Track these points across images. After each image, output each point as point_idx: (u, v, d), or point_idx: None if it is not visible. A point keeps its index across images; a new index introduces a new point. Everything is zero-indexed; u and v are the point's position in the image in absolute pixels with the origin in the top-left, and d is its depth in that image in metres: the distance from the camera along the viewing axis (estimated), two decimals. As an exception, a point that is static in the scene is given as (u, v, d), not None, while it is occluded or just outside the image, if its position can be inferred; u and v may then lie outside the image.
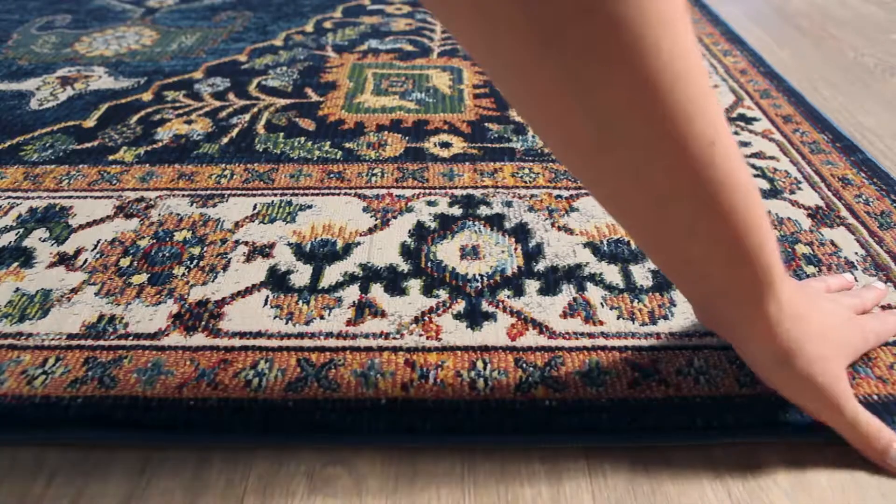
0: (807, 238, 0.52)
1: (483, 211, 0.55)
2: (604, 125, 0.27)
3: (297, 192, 0.57)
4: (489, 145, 0.65)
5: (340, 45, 0.89)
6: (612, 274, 0.48)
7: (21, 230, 0.53)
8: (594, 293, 0.46)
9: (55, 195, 0.57)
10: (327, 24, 0.97)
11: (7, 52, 0.87)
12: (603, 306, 0.45)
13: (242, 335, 0.43)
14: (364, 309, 0.45)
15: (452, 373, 0.40)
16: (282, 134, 0.67)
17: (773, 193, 0.57)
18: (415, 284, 0.47)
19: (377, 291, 0.46)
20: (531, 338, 0.42)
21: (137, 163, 0.62)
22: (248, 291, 0.46)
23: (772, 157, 0.62)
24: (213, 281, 0.47)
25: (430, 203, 0.56)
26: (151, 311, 0.45)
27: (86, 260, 0.49)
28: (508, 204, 0.56)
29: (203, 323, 0.44)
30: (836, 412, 0.35)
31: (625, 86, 0.26)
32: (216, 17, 1.00)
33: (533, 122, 0.30)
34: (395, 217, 0.54)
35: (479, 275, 0.48)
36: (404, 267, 0.49)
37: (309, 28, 0.96)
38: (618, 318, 0.44)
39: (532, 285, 0.47)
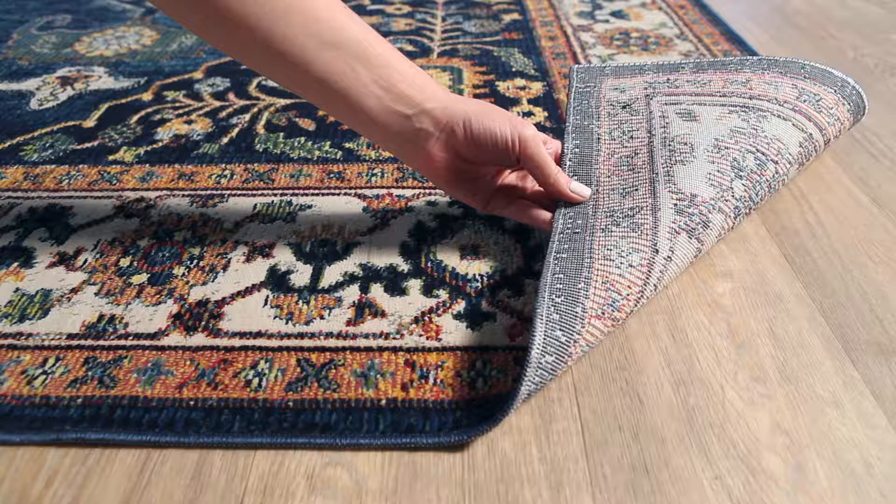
0: (807, 238, 0.51)
1: (483, 211, 0.55)
2: (228, 46, 0.43)
3: (297, 192, 0.57)
4: (489, 145, 0.65)
5: (340, 45, 0.89)
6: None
7: (21, 230, 0.53)
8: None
9: (55, 195, 0.57)
10: (327, 24, 0.97)
11: (7, 52, 0.87)
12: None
13: (242, 335, 0.43)
14: (364, 309, 0.45)
15: (452, 373, 0.40)
16: (282, 134, 0.67)
17: (773, 193, 0.57)
18: (415, 284, 0.47)
19: (377, 291, 0.46)
20: (531, 338, 0.42)
21: (137, 163, 0.62)
22: (248, 291, 0.46)
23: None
24: (213, 281, 0.47)
25: (430, 203, 0.56)
26: (151, 311, 0.45)
27: (86, 260, 0.49)
28: (508, 204, 0.55)
29: (203, 323, 0.44)
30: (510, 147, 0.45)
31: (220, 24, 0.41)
32: (216, 17, 1.00)
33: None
34: (395, 217, 0.54)
35: (479, 275, 0.48)
36: (404, 267, 0.49)
37: None
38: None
39: (532, 285, 0.47)
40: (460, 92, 0.76)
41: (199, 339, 0.42)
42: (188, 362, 0.41)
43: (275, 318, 0.44)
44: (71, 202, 0.56)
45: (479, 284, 0.47)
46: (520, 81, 0.78)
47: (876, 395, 0.39)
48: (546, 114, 0.71)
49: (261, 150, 0.64)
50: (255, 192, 0.57)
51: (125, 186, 0.58)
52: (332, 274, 0.48)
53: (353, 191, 0.57)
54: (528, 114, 0.70)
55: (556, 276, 0.40)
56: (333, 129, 0.68)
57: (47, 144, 0.65)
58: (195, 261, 0.49)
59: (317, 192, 0.57)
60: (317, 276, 0.48)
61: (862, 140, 0.65)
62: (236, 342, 0.42)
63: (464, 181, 0.48)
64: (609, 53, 0.85)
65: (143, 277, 0.48)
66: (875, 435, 0.37)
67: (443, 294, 0.46)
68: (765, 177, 0.47)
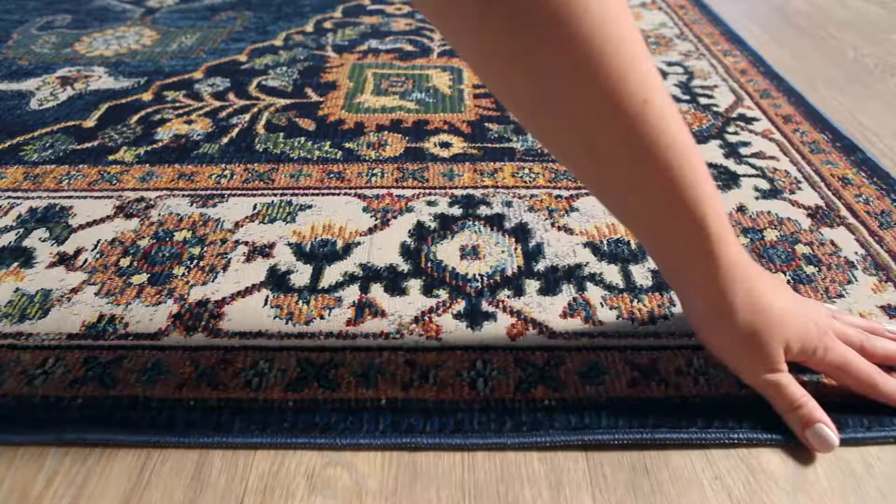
0: (807, 238, 0.52)
1: (483, 211, 0.55)
2: (541, 83, 0.30)
3: (297, 192, 0.57)
4: (489, 145, 0.65)
5: (340, 45, 0.89)
6: (611, 274, 0.48)
7: (21, 230, 0.53)
8: (594, 293, 0.46)
9: (55, 195, 0.57)
10: (327, 24, 0.97)
11: (7, 52, 0.87)
12: (603, 306, 0.45)
13: (242, 335, 0.43)
14: (364, 309, 0.45)
15: (452, 373, 0.40)
16: (282, 134, 0.67)
17: (773, 193, 0.57)
18: (415, 284, 0.47)
19: (377, 291, 0.46)
20: (531, 338, 0.42)
21: (137, 163, 0.62)
22: (248, 291, 0.46)
23: (772, 157, 0.62)
24: (213, 281, 0.47)
25: (430, 203, 0.56)
26: (151, 311, 0.45)
27: (86, 260, 0.49)
28: (508, 204, 0.56)
29: (203, 323, 0.44)
30: (755, 372, 0.37)
31: (556, 48, 0.28)
32: (216, 17, 1.00)
33: (484, 81, 0.33)
34: (395, 217, 0.54)
35: (479, 275, 0.48)
36: (404, 267, 0.49)
37: (309, 28, 0.96)
38: (617, 318, 0.44)
39: (532, 285, 0.47)
40: (460, 92, 0.76)
41: (199, 339, 0.42)
42: (188, 362, 0.41)
43: (275, 318, 0.44)
44: (71, 202, 0.56)
45: (479, 284, 0.47)
46: (520, 81, 0.78)
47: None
48: (546, 114, 0.70)
49: (261, 150, 0.64)
50: (255, 192, 0.57)
51: (125, 186, 0.58)
52: (332, 274, 0.48)
53: (353, 191, 0.57)
54: (528, 114, 0.70)
55: None
56: (333, 129, 0.68)
57: (47, 144, 0.65)
58: (195, 261, 0.49)
59: (317, 192, 0.57)
60: (317, 276, 0.48)
61: (862, 140, 0.65)
62: (236, 342, 0.42)
63: None
64: (609, 53, 0.85)
65: (143, 277, 0.48)
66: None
67: (443, 294, 0.46)
68: None
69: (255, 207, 0.55)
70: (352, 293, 0.46)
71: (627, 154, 0.32)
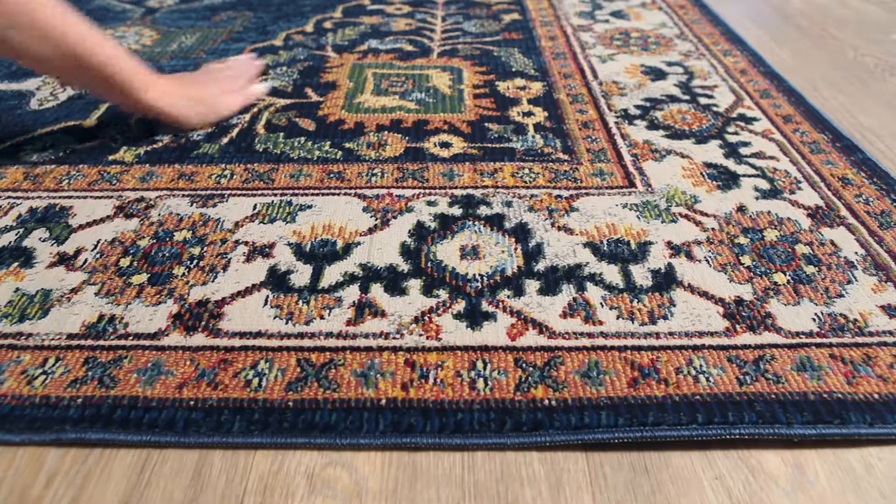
0: (807, 238, 0.52)
1: (483, 211, 0.55)
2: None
3: (297, 192, 0.57)
4: (489, 145, 0.65)
5: (340, 45, 0.89)
6: (611, 274, 0.48)
7: (21, 230, 0.53)
8: (594, 293, 0.46)
9: (55, 195, 0.57)
10: (327, 24, 0.97)
11: (7, 53, 0.87)
12: (602, 306, 0.45)
13: (242, 335, 0.43)
14: (364, 309, 0.45)
15: (452, 373, 0.40)
16: (282, 134, 0.67)
17: (773, 193, 0.57)
18: (415, 284, 0.47)
19: (377, 291, 0.46)
20: (531, 338, 0.42)
21: (137, 163, 0.62)
22: (248, 291, 0.46)
23: (772, 157, 0.62)
24: (213, 281, 0.47)
25: (430, 203, 0.56)
26: (151, 311, 0.45)
27: (86, 260, 0.49)
28: (508, 204, 0.56)
29: (203, 323, 0.44)
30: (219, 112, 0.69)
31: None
32: (216, 17, 1.00)
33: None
34: (395, 217, 0.54)
35: (479, 275, 0.48)
36: (404, 267, 0.49)
37: (309, 28, 0.96)
38: (617, 318, 0.44)
39: (532, 285, 0.47)
40: (460, 92, 0.76)
41: (199, 339, 0.42)
42: (188, 362, 0.41)
43: (275, 318, 0.44)
44: (71, 202, 0.56)
45: (479, 284, 0.47)
46: (520, 81, 0.78)
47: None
48: (546, 114, 0.71)
49: (261, 150, 0.64)
50: (255, 192, 0.57)
51: (125, 186, 0.58)
52: (332, 274, 0.48)
53: (353, 191, 0.57)
54: (529, 113, 0.70)
55: None
56: (333, 129, 0.68)
57: (47, 144, 0.65)
58: (195, 261, 0.49)
59: (317, 192, 0.57)
60: (317, 276, 0.48)
61: (862, 140, 0.65)
62: (236, 342, 0.42)
63: None
64: (609, 53, 0.85)
65: (143, 277, 0.48)
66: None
67: (443, 294, 0.46)
68: None
69: (255, 207, 0.55)
70: (352, 293, 0.46)
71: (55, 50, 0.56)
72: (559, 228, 0.53)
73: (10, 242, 0.51)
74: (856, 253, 0.50)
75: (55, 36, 0.55)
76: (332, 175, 0.60)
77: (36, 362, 0.41)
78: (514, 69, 0.81)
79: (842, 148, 0.63)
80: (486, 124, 0.69)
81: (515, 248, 0.50)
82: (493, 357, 0.41)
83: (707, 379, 0.39)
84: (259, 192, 0.57)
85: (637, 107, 0.72)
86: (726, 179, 0.59)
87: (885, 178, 0.59)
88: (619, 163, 0.62)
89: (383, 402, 0.38)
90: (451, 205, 0.55)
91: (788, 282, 0.47)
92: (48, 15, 0.54)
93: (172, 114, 0.65)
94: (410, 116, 0.70)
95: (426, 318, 0.44)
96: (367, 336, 0.43)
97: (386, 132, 0.67)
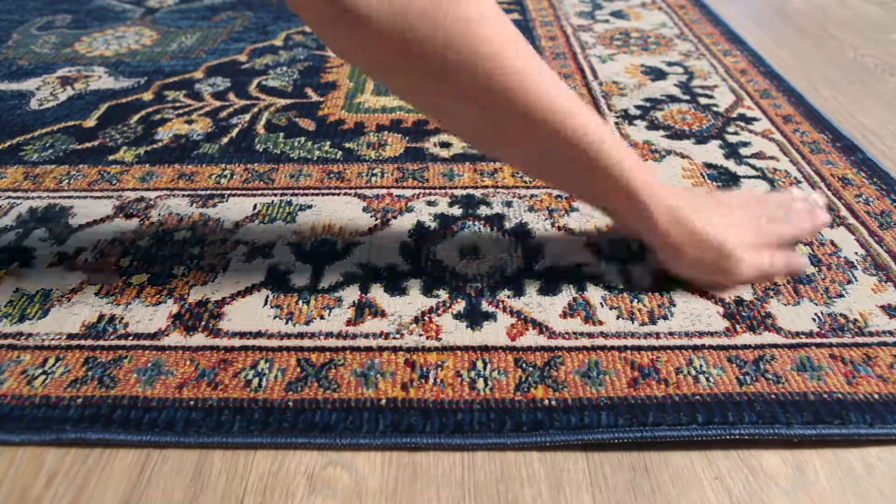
0: (807, 238, 0.51)
1: (483, 211, 0.55)
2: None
3: (297, 192, 0.57)
4: (489, 145, 0.65)
5: (340, 45, 0.89)
6: (611, 274, 0.48)
7: (21, 230, 0.53)
8: (594, 293, 0.46)
9: (55, 195, 0.57)
10: (327, 24, 0.97)
11: (7, 52, 0.87)
12: (602, 306, 0.45)
13: (242, 335, 0.43)
14: (364, 309, 0.45)
15: (452, 373, 0.40)
16: (282, 134, 0.67)
17: (773, 193, 0.57)
18: (415, 284, 0.47)
19: (377, 291, 0.46)
20: (531, 338, 0.42)
21: (137, 163, 0.62)
22: (248, 291, 0.46)
23: (772, 157, 0.62)
24: (213, 281, 0.47)
25: (430, 203, 0.56)
26: (151, 311, 0.45)
27: (86, 260, 0.49)
28: (508, 204, 0.56)
29: (203, 323, 0.44)
30: (731, 269, 0.44)
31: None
32: (216, 17, 1.00)
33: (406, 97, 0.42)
34: (395, 217, 0.54)
35: (479, 275, 0.48)
36: (404, 267, 0.49)
37: (309, 28, 0.96)
38: (617, 318, 0.44)
39: (532, 285, 0.47)
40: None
41: (199, 339, 0.42)
42: (188, 362, 0.41)
43: (275, 318, 0.44)
44: (71, 202, 0.56)
45: (479, 284, 0.47)
46: (520, 81, 0.78)
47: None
48: (546, 114, 0.70)
49: (261, 150, 0.64)
50: (255, 192, 0.57)
51: (125, 186, 0.58)
52: (332, 274, 0.48)
53: (353, 191, 0.57)
54: (528, 114, 0.70)
55: None
56: (333, 129, 0.68)
57: (47, 144, 0.65)
58: (195, 261, 0.49)
59: (317, 192, 0.57)
60: (317, 276, 0.48)
61: (862, 140, 0.65)
62: (236, 342, 0.42)
63: None
64: (609, 53, 0.85)
65: (143, 277, 0.48)
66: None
67: (443, 294, 0.46)
68: None
69: (255, 207, 0.55)
70: (352, 293, 0.46)
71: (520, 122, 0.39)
72: (559, 228, 0.53)
73: (10, 242, 0.51)
74: (856, 253, 0.50)
75: (543, 107, 0.38)
76: (332, 175, 0.60)
77: (36, 362, 0.41)
78: (514, 69, 0.81)
79: (842, 148, 0.63)
80: (486, 124, 0.68)
81: (515, 248, 0.50)
82: (493, 357, 0.41)
83: (707, 379, 0.39)
84: (259, 192, 0.57)
85: (637, 107, 0.72)
86: (726, 180, 0.59)
87: (885, 178, 0.59)
88: (619, 163, 0.62)
89: (383, 402, 0.38)
90: (451, 205, 0.55)
91: (788, 282, 0.47)
92: (537, 76, 0.37)
93: (670, 258, 0.45)
94: (410, 116, 0.70)
95: (426, 317, 0.44)
96: (367, 336, 0.43)
97: (386, 132, 0.67)
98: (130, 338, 0.43)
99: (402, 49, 0.35)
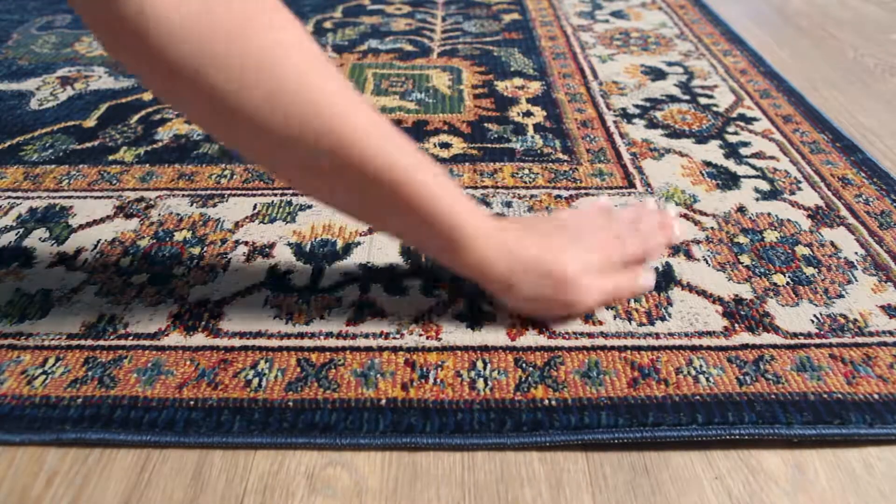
0: (807, 239, 0.52)
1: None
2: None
3: (297, 192, 0.57)
4: (489, 145, 0.65)
5: (340, 45, 0.89)
6: (611, 274, 0.48)
7: (21, 230, 0.53)
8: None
9: (55, 195, 0.57)
10: (327, 24, 0.97)
11: (7, 52, 0.87)
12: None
13: (242, 335, 0.43)
14: (364, 309, 0.45)
15: (452, 373, 0.40)
16: (282, 134, 0.67)
17: (773, 194, 0.57)
18: (414, 284, 0.47)
19: (377, 291, 0.46)
20: (531, 338, 0.42)
21: (137, 163, 0.62)
22: (248, 291, 0.46)
23: (772, 157, 0.62)
24: (213, 281, 0.47)
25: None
26: (151, 311, 0.45)
27: (86, 260, 0.49)
28: (508, 204, 0.56)
29: (203, 323, 0.44)
30: (573, 297, 0.41)
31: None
32: (216, 17, 1.00)
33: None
34: (394, 217, 0.54)
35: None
36: (404, 267, 0.49)
37: (309, 28, 0.96)
38: (615, 319, 0.44)
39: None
40: (460, 92, 0.76)
41: (199, 339, 0.42)
42: (188, 362, 0.41)
43: (275, 318, 0.44)
44: (71, 202, 0.56)
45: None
46: (518, 81, 0.78)
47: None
48: (545, 113, 0.71)
49: (261, 150, 0.64)
50: (255, 192, 0.57)
51: (125, 186, 0.58)
52: (332, 274, 0.48)
53: (353, 191, 0.57)
54: (528, 113, 0.70)
55: None
56: (333, 129, 0.68)
57: (47, 144, 0.65)
58: (195, 261, 0.49)
59: (317, 192, 0.57)
60: (317, 276, 0.48)
61: (862, 140, 0.65)
62: (236, 342, 0.42)
63: None
64: (609, 53, 0.85)
65: (143, 277, 0.48)
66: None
67: (443, 294, 0.46)
68: None
69: (255, 207, 0.55)
70: (352, 293, 0.46)
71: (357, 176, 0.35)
72: (559, 228, 0.52)
73: (10, 242, 0.51)
74: (856, 253, 0.50)
75: (361, 149, 0.33)
76: (332, 175, 0.60)
77: (36, 362, 0.41)
78: (513, 69, 0.81)
79: (842, 148, 0.63)
80: (485, 125, 0.69)
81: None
82: (493, 357, 0.41)
83: (707, 379, 0.39)
84: (259, 191, 0.57)
85: (636, 106, 0.72)
86: (726, 179, 0.59)
87: (885, 178, 0.59)
88: (619, 162, 0.62)
89: (383, 402, 0.38)
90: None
91: (788, 283, 0.47)
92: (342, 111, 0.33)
93: (503, 294, 0.42)
94: (410, 117, 0.70)
95: (426, 318, 0.44)
96: (367, 336, 0.43)
97: (386, 132, 0.67)
98: (130, 338, 0.43)
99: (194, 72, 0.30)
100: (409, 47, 0.89)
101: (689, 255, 0.50)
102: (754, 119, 0.69)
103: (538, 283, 0.40)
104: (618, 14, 0.99)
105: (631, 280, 0.43)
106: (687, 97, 0.74)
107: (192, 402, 0.38)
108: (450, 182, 0.38)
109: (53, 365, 0.41)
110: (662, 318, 0.44)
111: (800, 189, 0.58)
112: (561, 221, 0.44)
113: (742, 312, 0.44)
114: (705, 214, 0.54)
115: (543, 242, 0.41)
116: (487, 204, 0.55)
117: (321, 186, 0.37)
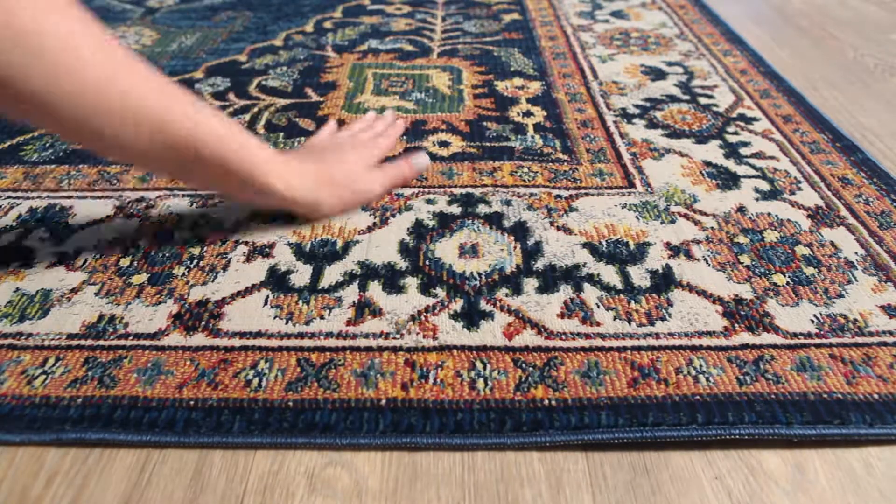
0: (807, 239, 0.52)
1: (482, 209, 0.55)
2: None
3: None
4: (488, 144, 0.65)
5: (340, 45, 0.89)
6: (609, 274, 0.48)
7: (21, 230, 0.53)
8: (591, 294, 0.46)
9: (55, 195, 0.57)
10: (327, 24, 0.97)
11: (7, 52, 0.87)
12: (599, 307, 0.45)
13: (242, 335, 0.43)
14: (364, 309, 0.45)
15: (452, 373, 0.40)
16: (282, 134, 0.67)
17: (773, 194, 0.57)
18: (412, 282, 0.47)
19: (375, 289, 0.46)
20: (528, 337, 0.42)
21: (137, 163, 0.62)
22: (248, 291, 0.46)
23: (772, 157, 0.62)
24: (213, 281, 0.47)
25: (429, 201, 0.56)
26: (151, 311, 0.45)
27: (86, 260, 0.49)
28: (507, 203, 0.56)
29: (203, 323, 0.44)
30: (366, 188, 0.54)
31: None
32: (216, 17, 1.00)
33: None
34: (394, 215, 0.54)
35: (478, 273, 0.48)
36: (402, 265, 0.49)
37: (309, 28, 0.96)
38: (614, 319, 0.44)
39: (531, 283, 0.47)
40: (460, 92, 0.76)
41: (199, 339, 0.42)
42: (188, 362, 0.41)
43: (275, 318, 0.44)
44: (71, 202, 0.56)
45: (477, 283, 0.47)
46: (518, 81, 0.78)
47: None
48: (545, 113, 0.71)
49: (261, 149, 0.64)
50: (254, 191, 0.57)
51: (125, 186, 0.58)
52: (331, 274, 0.48)
53: (352, 191, 0.57)
54: (528, 113, 0.70)
55: None
56: (333, 129, 0.68)
57: (47, 144, 0.65)
58: (195, 261, 0.49)
59: (317, 191, 0.57)
60: (317, 276, 0.48)
61: (862, 140, 0.65)
62: (236, 342, 0.42)
63: None
64: (609, 53, 0.85)
65: (143, 277, 0.48)
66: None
67: (440, 292, 0.46)
68: None
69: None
70: (351, 293, 0.46)
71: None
72: (558, 228, 0.53)
73: (10, 242, 0.51)
74: (856, 253, 0.50)
75: (146, 113, 0.41)
76: (331, 175, 0.60)
77: (36, 362, 0.41)
78: (512, 69, 0.81)
79: (842, 148, 0.63)
80: (484, 123, 0.69)
81: (514, 247, 0.50)
82: (493, 357, 0.41)
83: (707, 379, 0.39)
84: (259, 191, 0.57)
85: (636, 106, 0.72)
86: (726, 179, 0.59)
87: (885, 178, 0.59)
88: (619, 162, 0.62)
89: (383, 402, 0.38)
90: (450, 203, 0.55)
91: (788, 283, 0.47)
92: (127, 79, 0.41)
93: (301, 202, 0.50)
94: (410, 116, 0.70)
95: (422, 316, 0.44)
96: (367, 336, 0.43)
97: (386, 132, 0.67)
98: (130, 338, 0.43)
99: None
100: (409, 47, 0.89)
101: (689, 256, 0.50)
102: (754, 119, 0.69)
103: (337, 192, 0.52)
104: (618, 14, 0.99)
105: (403, 166, 0.56)
106: (687, 97, 0.74)
107: (192, 402, 0.38)
108: (235, 127, 0.45)
109: (53, 365, 0.41)
110: (662, 319, 0.44)
111: (800, 189, 0.58)
112: (319, 145, 0.57)
113: (742, 312, 0.44)
114: (705, 214, 0.54)
115: (324, 160, 0.52)
116: (486, 202, 0.55)
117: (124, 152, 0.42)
